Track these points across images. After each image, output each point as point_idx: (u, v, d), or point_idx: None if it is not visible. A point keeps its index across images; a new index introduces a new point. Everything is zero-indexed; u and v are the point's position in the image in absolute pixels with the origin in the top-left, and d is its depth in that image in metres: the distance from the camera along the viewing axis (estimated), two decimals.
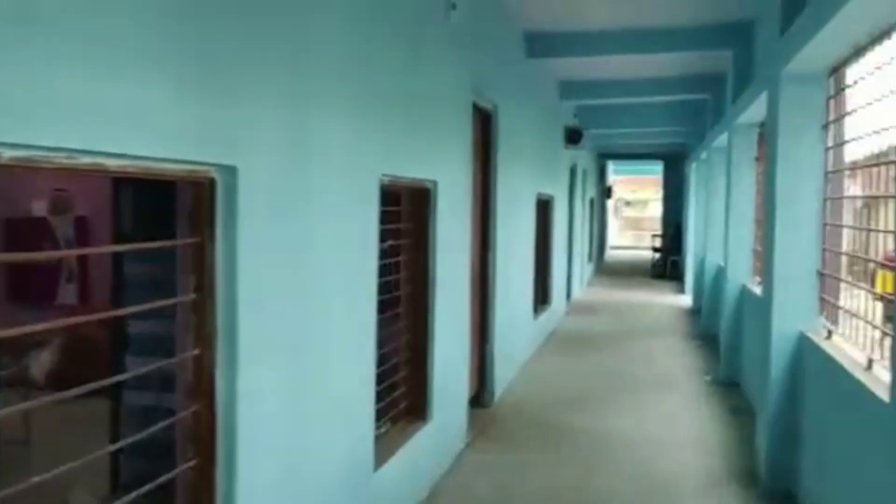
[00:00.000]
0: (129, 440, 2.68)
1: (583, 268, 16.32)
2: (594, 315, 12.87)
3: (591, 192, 18.15)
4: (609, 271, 21.37)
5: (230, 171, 2.41)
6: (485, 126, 6.70)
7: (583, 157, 14.97)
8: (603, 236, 24.01)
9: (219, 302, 2.42)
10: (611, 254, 26.94)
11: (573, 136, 11.57)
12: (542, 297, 10.29)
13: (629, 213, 36.18)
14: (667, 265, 19.64)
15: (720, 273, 9.39)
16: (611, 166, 24.34)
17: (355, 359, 3.49)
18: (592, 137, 15.96)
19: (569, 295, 13.52)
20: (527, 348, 8.92)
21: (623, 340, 10.47)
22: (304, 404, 2.93)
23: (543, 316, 10.15)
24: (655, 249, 21.10)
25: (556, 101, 10.83)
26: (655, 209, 27.99)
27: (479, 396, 6.72)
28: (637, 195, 35.39)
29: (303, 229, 2.87)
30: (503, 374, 7.28)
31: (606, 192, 23.34)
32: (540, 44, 8.16)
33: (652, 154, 21.19)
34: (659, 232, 21.94)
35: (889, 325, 3.63)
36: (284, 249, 2.73)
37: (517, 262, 8.08)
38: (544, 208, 10.35)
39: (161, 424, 2.48)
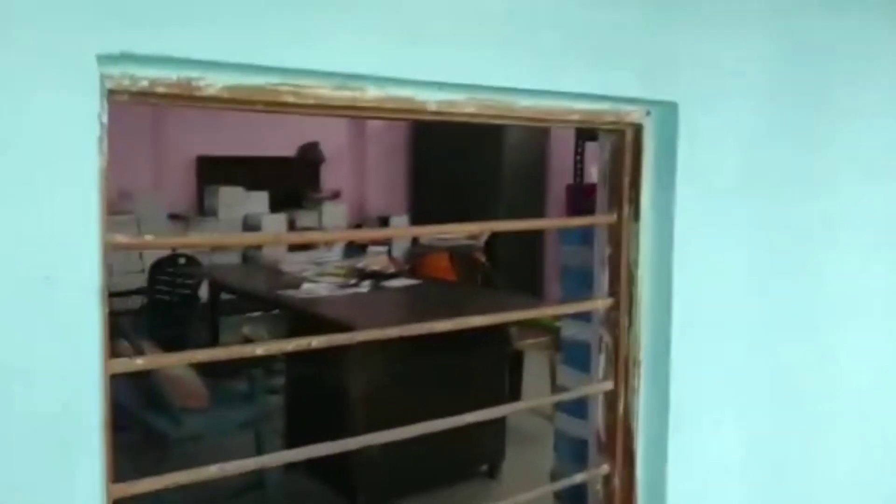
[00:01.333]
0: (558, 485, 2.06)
1: None
2: None
3: None
4: None
5: (666, 112, 1.52)
6: None
7: None
8: None
9: (642, 314, 1.58)
10: None
11: None
12: None
13: None
14: None
15: None
16: None
17: None
18: None
19: None
20: None
21: None
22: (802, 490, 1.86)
23: None
24: None
25: None
26: None
27: None
28: None
29: (803, 209, 1.78)
30: None
31: None
32: None
33: None
34: None
35: None
36: (763, 241, 1.70)
37: None
38: None
39: (564, 482, 1.77)
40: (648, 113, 1.52)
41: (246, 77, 1.05)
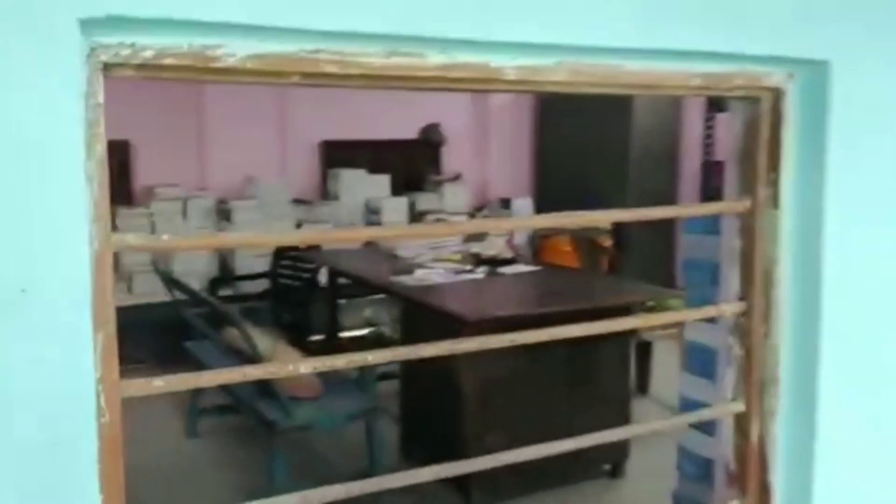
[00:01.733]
0: None
1: None
2: None
3: None
4: None
5: (813, 73, 1.22)
6: None
7: None
8: None
9: (782, 322, 1.29)
10: None
11: None
12: None
13: None
14: None
15: None
16: None
17: None
18: None
19: None
20: None
21: None
22: None
23: None
24: None
25: None
26: None
27: None
28: None
29: None
30: None
31: None
32: None
33: None
34: None
35: None
36: None
37: None
38: None
39: None
40: (791, 75, 1.23)
41: (274, 43, 0.87)
